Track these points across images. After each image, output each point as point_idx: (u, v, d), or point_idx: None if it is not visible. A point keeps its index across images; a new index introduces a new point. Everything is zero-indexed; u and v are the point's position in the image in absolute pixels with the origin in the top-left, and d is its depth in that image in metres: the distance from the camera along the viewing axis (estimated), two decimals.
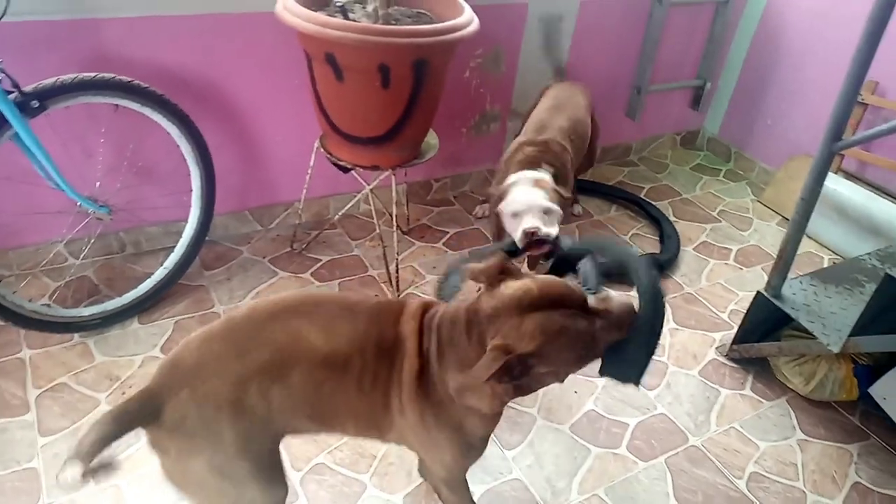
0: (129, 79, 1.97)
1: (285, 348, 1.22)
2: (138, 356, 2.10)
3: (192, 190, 2.23)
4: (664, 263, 2.74)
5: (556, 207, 2.08)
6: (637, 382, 1.29)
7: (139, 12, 2.09)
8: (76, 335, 2.14)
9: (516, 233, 2.03)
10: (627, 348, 1.24)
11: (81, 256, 2.34)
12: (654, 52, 3.14)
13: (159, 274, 2.26)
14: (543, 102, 2.57)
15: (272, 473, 1.31)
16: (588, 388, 2.18)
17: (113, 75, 1.94)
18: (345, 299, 1.32)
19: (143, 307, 2.24)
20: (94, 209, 2.07)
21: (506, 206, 2.10)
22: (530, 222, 2.01)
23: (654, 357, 1.26)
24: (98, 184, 2.16)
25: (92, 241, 2.29)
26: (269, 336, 1.22)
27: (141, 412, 1.16)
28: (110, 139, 2.19)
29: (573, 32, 2.95)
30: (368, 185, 2.39)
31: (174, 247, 2.30)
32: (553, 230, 2.04)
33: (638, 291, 1.28)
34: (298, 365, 1.22)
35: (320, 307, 1.28)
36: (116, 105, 1.99)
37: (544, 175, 2.17)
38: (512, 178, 2.17)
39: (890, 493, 1.98)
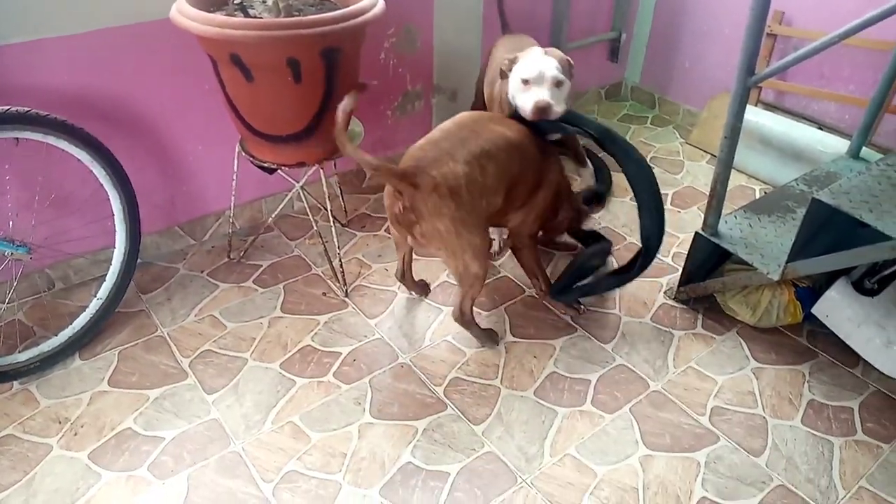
0: (27, 109, 1.86)
1: (492, 139, 1.94)
2: (86, 393, 2.02)
3: (113, 214, 2.15)
4: (601, 194, 2.75)
5: (566, 79, 2.06)
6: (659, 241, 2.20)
7: (26, 37, 1.97)
8: (15, 383, 2.04)
9: (527, 103, 2.02)
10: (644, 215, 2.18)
11: (7, 300, 2.22)
12: (566, 10, 3.14)
13: (94, 305, 2.18)
14: (493, 60, 2.50)
15: (487, 228, 2.01)
16: (546, 351, 2.20)
17: (7, 107, 1.83)
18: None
19: (83, 342, 2.15)
20: (12, 250, 1.97)
21: (517, 71, 2.06)
22: (541, 94, 2.01)
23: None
24: (11, 223, 2.05)
25: (16, 283, 2.17)
26: (479, 133, 1.93)
27: (406, 177, 1.81)
28: (17, 174, 2.07)
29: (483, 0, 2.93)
30: (298, 182, 2.34)
31: (105, 275, 2.21)
32: (561, 107, 2.05)
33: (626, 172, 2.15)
34: (503, 149, 1.94)
35: (496, 119, 2.05)
36: (17, 138, 1.88)
37: (557, 51, 2.12)
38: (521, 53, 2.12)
39: (842, 403, 2.07)
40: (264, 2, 2.04)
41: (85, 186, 2.13)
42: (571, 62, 2.12)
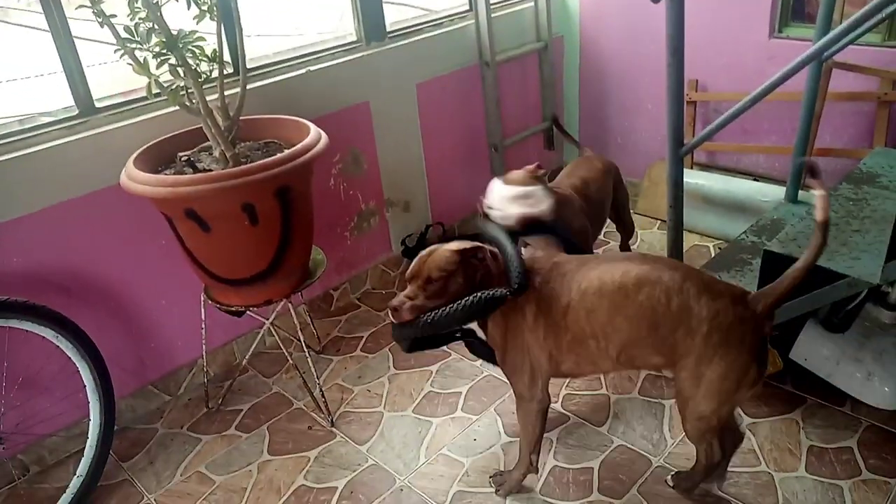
0: None
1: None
2: None
3: (85, 386, 2.10)
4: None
5: (533, 189, 2.17)
6: None
7: None
8: None
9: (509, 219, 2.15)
10: None
11: None
12: (497, 110, 3.30)
13: (74, 484, 2.08)
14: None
15: None
16: (543, 445, 2.17)
17: None
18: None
19: None
20: None
21: (486, 203, 2.23)
22: (518, 210, 2.14)
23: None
24: None
25: None
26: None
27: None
28: None
29: (418, 114, 3.07)
30: (267, 319, 2.33)
31: (83, 449, 2.13)
32: (540, 207, 2.16)
33: None
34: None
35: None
36: None
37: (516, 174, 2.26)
38: None
39: (840, 444, 2.08)
40: (211, 154, 2.10)
41: (52, 362, 2.09)
42: (534, 171, 2.25)
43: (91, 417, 2.13)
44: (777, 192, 2.93)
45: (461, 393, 2.42)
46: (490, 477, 2.08)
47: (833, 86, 2.82)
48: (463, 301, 1.69)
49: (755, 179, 3.19)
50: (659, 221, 3.44)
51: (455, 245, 1.78)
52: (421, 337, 1.78)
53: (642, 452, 2.12)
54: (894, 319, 2.18)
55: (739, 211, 3.10)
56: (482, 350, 2.17)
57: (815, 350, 2.23)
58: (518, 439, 2.19)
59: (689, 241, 3.17)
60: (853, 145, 2.93)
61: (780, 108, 2.98)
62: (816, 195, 1.54)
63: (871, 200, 2.25)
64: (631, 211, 2.87)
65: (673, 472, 2.00)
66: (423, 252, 1.82)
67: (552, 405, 2.32)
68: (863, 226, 2.11)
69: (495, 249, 1.82)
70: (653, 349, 1.67)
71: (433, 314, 1.70)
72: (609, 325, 1.67)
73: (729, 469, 2.01)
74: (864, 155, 2.66)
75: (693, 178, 3.21)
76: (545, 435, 2.20)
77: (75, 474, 2.11)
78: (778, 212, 2.74)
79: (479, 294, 1.69)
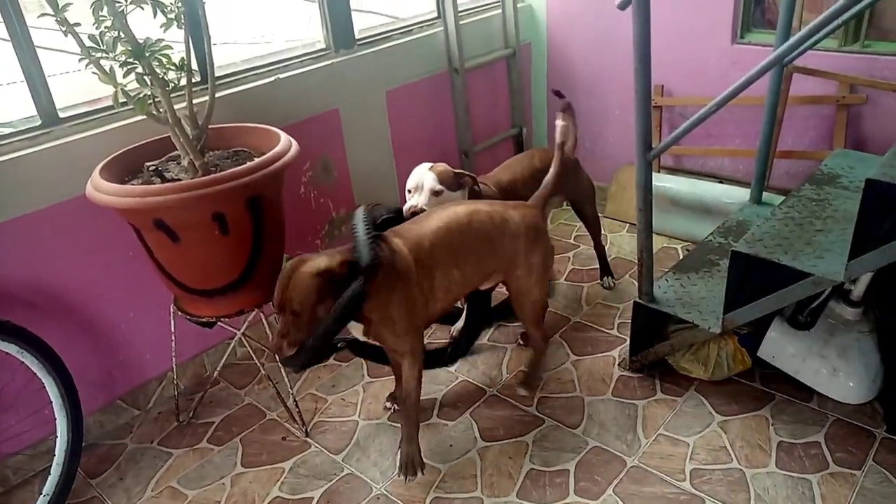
0: None
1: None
2: None
3: (51, 401, 2.04)
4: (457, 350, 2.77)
5: (446, 190, 2.31)
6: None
7: None
8: None
9: (405, 208, 2.32)
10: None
11: None
12: (467, 117, 3.31)
13: None
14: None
15: None
16: (520, 449, 2.18)
17: None
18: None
19: None
20: None
21: (407, 183, 2.37)
22: (415, 200, 2.30)
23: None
24: None
25: None
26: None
27: None
28: None
29: (388, 121, 3.07)
30: (238, 330, 2.30)
31: (49, 467, 2.08)
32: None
33: None
34: None
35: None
36: None
37: (443, 165, 2.38)
38: None
39: (808, 439, 2.12)
40: (179, 163, 2.07)
41: (17, 378, 2.03)
42: (459, 174, 2.35)
43: (58, 434, 2.08)
44: (742, 194, 2.99)
45: (436, 399, 2.42)
46: (399, 472, 2.04)
47: (794, 90, 2.90)
48: (331, 313, 1.75)
49: (720, 182, 3.26)
50: (628, 225, 3.49)
51: (318, 264, 1.75)
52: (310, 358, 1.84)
53: (617, 453, 2.14)
54: (857, 316, 2.24)
55: (706, 213, 3.16)
56: (367, 351, 2.40)
57: (782, 348, 2.28)
58: (492, 444, 2.21)
59: (657, 243, 3.19)
60: (814, 147, 3.01)
61: (743, 112, 3.05)
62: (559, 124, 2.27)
63: (832, 200, 2.31)
64: (595, 204, 2.91)
65: (518, 384, 2.40)
66: (283, 273, 1.76)
67: (528, 409, 2.35)
68: (825, 225, 2.16)
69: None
70: (496, 259, 2.12)
71: (311, 339, 1.77)
72: (463, 249, 2.03)
73: (700, 467, 2.05)
74: (825, 156, 2.73)
75: (660, 182, 3.26)
76: (521, 438, 2.23)
77: (41, 493, 2.05)
78: (743, 213, 2.80)
79: (341, 299, 1.74)
